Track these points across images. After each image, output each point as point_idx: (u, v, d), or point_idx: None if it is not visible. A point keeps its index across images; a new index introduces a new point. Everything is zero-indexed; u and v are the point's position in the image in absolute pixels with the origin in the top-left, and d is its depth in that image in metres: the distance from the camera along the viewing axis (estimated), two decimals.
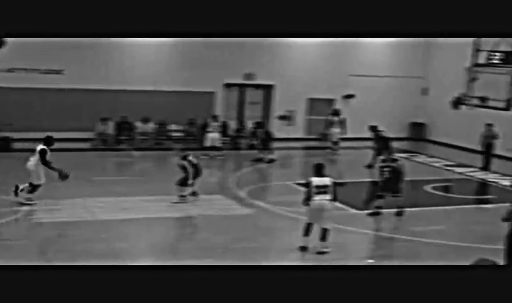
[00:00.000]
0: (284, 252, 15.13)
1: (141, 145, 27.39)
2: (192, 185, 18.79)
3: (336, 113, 28.88)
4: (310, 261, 14.43)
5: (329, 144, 28.52)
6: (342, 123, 28.53)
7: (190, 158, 18.98)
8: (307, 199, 14.64)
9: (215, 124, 26.74)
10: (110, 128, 27.52)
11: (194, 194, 18.93)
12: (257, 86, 30.74)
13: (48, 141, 17.72)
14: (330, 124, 28.64)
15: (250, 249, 14.91)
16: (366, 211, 18.59)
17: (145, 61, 28.08)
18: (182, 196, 18.63)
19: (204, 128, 27.18)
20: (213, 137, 26.32)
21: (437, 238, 16.43)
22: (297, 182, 21.31)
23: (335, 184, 14.95)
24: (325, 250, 14.61)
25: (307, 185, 14.70)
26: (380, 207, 18.33)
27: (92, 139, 27.05)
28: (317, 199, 14.48)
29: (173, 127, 28.67)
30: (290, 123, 31.00)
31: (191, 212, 17.95)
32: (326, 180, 14.66)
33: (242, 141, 29.31)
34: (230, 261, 13.47)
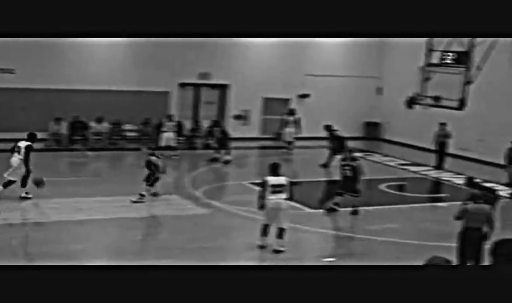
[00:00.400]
0: (241, 251, 15.15)
1: (96, 145, 27.10)
2: (155, 183, 18.82)
3: (291, 112, 28.97)
4: (267, 260, 14.44)
5: (283, 143, 28.60)
6: (296, 123, 28.63)
7: (156, 155, 19.21)
8: (261, 198, 14.68)
9: (170, 123, 26.59)
10: (63, 128, 27.18)
11: (155, 194, 18.99)
12: (212, 86, 30.67)
13: (32, 137, 18.28)
14: (285, 123, 28.73)
15: (207, 249, 14.86)
16: (322, 210, 18.67)
17: (99, 60, 27.80)
18: (141, 195, 18.56)
19: (159, 128, 27.02)
20: (168, 137, 26.17)
21: (392, 236, 16.57)
22: (252, 181, 21.30)
23: (291, 183, 14.98)
24: (281, 248, 14.62)
25: (263, 184, 14.73)
26: (338, 205, 18.45)
27: (45, 139, 26.67)
28: (273, 198, 14.51)
29: (128, 127, 28.43)
30: (245, 122, 30.99)
31: (147, 212, 17.83)
32: (282, 180, 14.69)
33: (197, 140, 29.23)
34: (187, 261, 13.41)
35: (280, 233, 14.68)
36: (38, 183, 18.07)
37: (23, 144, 18.05)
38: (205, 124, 29.80)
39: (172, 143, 26.21)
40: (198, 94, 30.74)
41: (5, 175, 17.98)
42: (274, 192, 14.49)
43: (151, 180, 18.71)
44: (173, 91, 29.40)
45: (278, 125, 29.56)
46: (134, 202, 18.31)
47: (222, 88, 30.82)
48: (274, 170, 14.81)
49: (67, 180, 20.73)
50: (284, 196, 14.57)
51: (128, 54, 28.00)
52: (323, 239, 16.56)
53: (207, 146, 27.94)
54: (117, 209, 17.82)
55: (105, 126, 27.73)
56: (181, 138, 27.98)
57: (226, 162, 25.20)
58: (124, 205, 18.12)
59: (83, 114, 27.31)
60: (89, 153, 26.11)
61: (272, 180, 14.60)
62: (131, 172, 24.15)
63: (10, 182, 17.97)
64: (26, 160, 17.90)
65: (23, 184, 17.99)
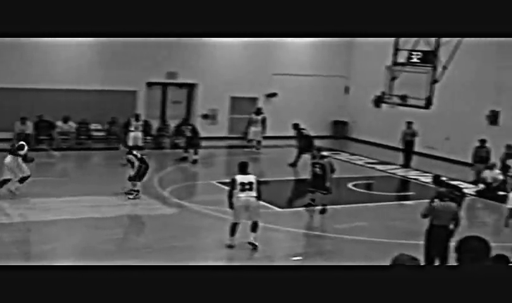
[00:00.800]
0: (210, 250, 15.13)
1: (62, 145, 26.84)
2: (139, 180, 19.07)
3: (258, 112, 28.98)
4: (236, 259, 14.44)
5: (247, 143, 28.63)
6: (263, 122, 28.68)
7: (135, 152, 19.41)
8: (231, 197, 14.78)
9: (138, 123, 26.41)
10: (29, 128, 26.87)
11: (137, 192, 19.14)
12: (180, 85, 30.56)
13: (26, 138, 19.47)
14: (252, 122, 28.73)
15: (176, 249, 14.81)
16: (290, 209, 18.72)
17: (66, 60, 27.50)
18: (135, 191, 18.85)
19: (126, 127, 26.82)
20: (135, 136, 25.97)
21: (360, 235, 16.66)
22: (220, 180, 21.27)
23: (259, 182, 15.00)
24: (255, 242, 14.84)
25: (232, 182, 14.82)
26: (313, 200, 18.53)
27: (11, 139, 26.32)
28: (242, 196, 14.62)
29: (94, 126, 28.21)
30: (213, 122, 30.91)
31: (115, 212, 17.68)
32: (250, 178, 14.82)
33: (165, 140, 29.11)
34: (155, 260, 13.34)
35: (255, 226, 14.88)
36: (30, 160, 18.83)
37: (17, 143, 19.00)
38: (173, 123, 29.69)
39: (140, 143, 26.02)
40: (166, 93, 30.62)
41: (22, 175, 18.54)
42: (243, 190, 14.62)
43: (137, 176, 18.94)
44: (140, 91, 29.23)
45: (245, 125, 29.56)
46: (132, 199, 18.70)
47: (190, 87, 30.73)
48: (243, 169, 14.96)
49: (33, 181, 20.48)
50: (253, 193, 14.70)
51: (94, 53, 27.76)
52: (291, 238, 16.58)
53: (174, 146, 27.83)
54: (85, 209, 17.66)
55: (71, 126, 27.47)
56: (148, 138, 27.84)
57: (194, 162, 25.10)
58: (92, 205, 17.99)
59: (49, 114, 27.01)
60: (55, 153, 25.83)
61: (241, 178, 14.74)
62: (99, 171, 24.02)
63: (4, 181, 18.35)
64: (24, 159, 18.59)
65: (20, 181, 18.52)
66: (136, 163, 19.00)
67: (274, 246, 15.60)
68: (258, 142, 28.49)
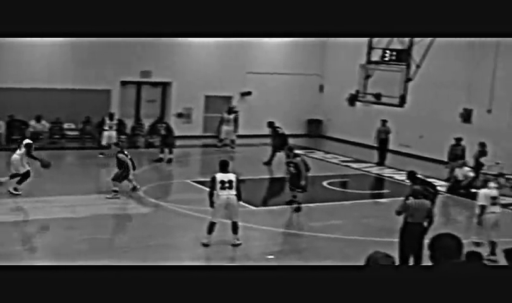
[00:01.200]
0: (185, 249, 15.11)
1: (35, 144, 26.52)
2: (130, 179, 19.19)
3: (230, 111, 28.95)
4: (212, 258, 14.45)
5: (218, 142, 28.63)
6: (235, 121, 28.68)
7: (126, 152, 19.43)
8: (211, 195, 14.85)
9: (112, 122, 26.26)
10: (1, 127, 26.61)
11: (135, 188, 19.27)
12: (154, 84, 30.45)
13: (33, 136, 19.76)
14: (223, 121, 28.68)
15: (151, 248, 14.77)
16: (265, 207, 18.73)
17: (39, 59, 27.25)
18: (115, 191, 18.85)
19: (100, 126, 26.67)
20: (109, 135, 25.84)
21: (335, 232, 16.71)
22: (195, 179, 21.22)
23: (239, 181, 15.07)
24: (237, 242, 15.02)
25: (212, 181, 14.88)
26: (295, 197, 18.64)
27: None
28: (222, 194, 14.69)
29: (68, 125, 28.00)
30: (187, 121, 30.82)
31: (90, 212, 17.56)
32: (230, 176, 14.90)
33: (139, 139, 28.99)
34: (131, 260, 13.29)
35: (235, 227, 14.99)
36: (45, 164, 19.25)
37: (24, 141, 19.38)
38: (147, 122, 29.58)
39: (114, 141, 25.90)
40: (140, 92, 30.49)
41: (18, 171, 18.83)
42: (223, 189, 14.69)
43: (120, 177, 19.00)
44: (114, 90, 29.08)
45: (217, 124, 29.51)
46: (110, 198, 18.68)
47: (164, 86, 30.64)
48: (223, 167, 15.03)
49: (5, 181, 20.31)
50: (233, 192, 14.78)
51: (67, 52, 27.53)
52: (267, 236, 16.59)
53: (149, 145, 27.74)
54: (59, 209, 17.55)
55: (44, 125, 27.23)
56: (122, 136, 27.69)
57: (169, 161, 25.02)
58: (66, 205, 17.87)
59: (22, 113, 26.77)
60: None
61: (221, 176, 14.81)
62: (72, 171, 23.85)
63: (21, 175, 18.79)
64: (31, 157, 19.08)
65: (20, 181, 18.75)
66: (128, 162, 19.10)
67: (250, 244, 15.58)
68: (232, 141, 28.47)
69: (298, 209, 18.45)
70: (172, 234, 16.29)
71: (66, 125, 27.95)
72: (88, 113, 27.82)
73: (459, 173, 22.25)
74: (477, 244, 13.62)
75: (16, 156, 18.99)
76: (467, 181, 21.89)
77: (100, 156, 25.29)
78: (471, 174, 22.05)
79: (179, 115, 30.57)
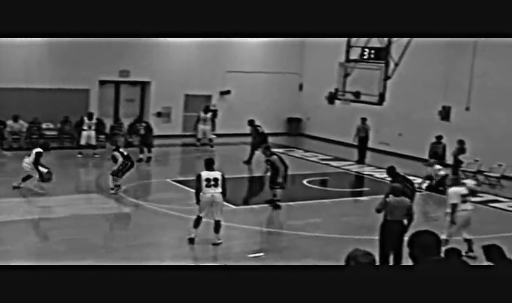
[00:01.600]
0: (166, 249, 15.09)
1: (13, 144, 26.41)
2: (121, 176, 19.44)
3: (207, 110, 28.89)
4: (192, 258, 14.41)
5: (204, 141, 28.58)
6: (212, 120, 28.65)
7: (121, 149, 19.69)
8: (197, 193, 15.03)
9: (91, 121, 26.10)
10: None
11: (118, 187, 19.40)
12: (133, 83, 30.34)
13: (45, 145, 20.01)
14: (201, 120, 28.60)
15: (131, 248, 14.71)
16: (246, 206, 18.73)
17: (16, 59, 27.02)
18: (117, 186, 19.25)
19: (79, 126, 26.50)
20: (88, 135, 25.71)
21: (315, 231, 16.73)
22: (175, 179, 21.18)
23: (225, 178, 15.18)
24: (218, 241, 15.10)
25: (197, 179, 15.05)
26: (275, 195, 18.76)
27: None
28: (207, 191, 14.88)
29: (46, 125, 27.81)
30: (167, 120, 30.73)
31: (69, 212, 17.45)
32: (216, 174, 15.10)
33: (119, 138, 28.81)
34: (111, 260, 13.24)
35: (217, 226, 15.10)
36: (45, 178, 19.21)
37: (35, 150, 19.45)
38: (126, 121, 29.46)
39: (93, 141, 25.79)
40: (119, 91, 30.37)
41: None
42: (209, 186, 14.88)
43: (120, 173, 19.30)
44: (93, 89, 28.93)
45: (194, 123, 29.36)
46: (113, 194, 19.07)
47: (143, 85, 30.54)
48: (209, 165, 15.24)
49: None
50: (218, 189, 14.96)
51: (45, 52, 27.34)
52: (247, 235, 16.58)
53: (128, 144, 27.62)
54: (38, 209, 17.46)
55: (22, 124, 27.03)
56: (101, 136, 27.58)
57: (148, 160, 24.92)
58: (45, 205, 17.77)
59: None
60: (6, 152, 25.43)
61: (206, 174, 15.01)
62: (51, 171, 23.66)
63: (42, 175, 19.14)
64: (35, 164, 19.07)
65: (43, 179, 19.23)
66: (120, 160, 19.26)
67: (230, 244, 15.58)
68: (210, 139, 28.44)
69: (276, 207, 18.51)
70: (152, 233, 16.24)
71: (44, 125, 27.76)
72: (67, 112, 27.64)
73: (431, 171, 22.38)
74: (446, 242, 13.63)
75: (25, 164, 19.30)
76: (439, 178, 21.95)
77: (79, 156, 25.17)
78: (442, 172, 22.14)
79: (159, 115, 30.48)
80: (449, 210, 15.14)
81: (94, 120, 26.33)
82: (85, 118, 26.13)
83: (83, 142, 25.62)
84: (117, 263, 12.04)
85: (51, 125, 27.92)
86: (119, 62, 29.01)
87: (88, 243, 14.98)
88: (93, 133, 25.89)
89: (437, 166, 22.38)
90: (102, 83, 29.26)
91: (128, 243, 15.11)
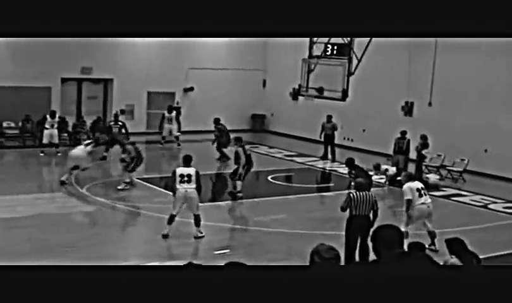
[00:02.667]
0: (131, 247, 15.03)
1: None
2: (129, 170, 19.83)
3: (170, 109, 28.72)
4: (157, 256, 14.36)
5: (169, 138, 28.45)
6: (177, 119, 28.53)
7: (136, 145, 20.26)
8: (172, 188, 15.47)
9: (53, 120, 25.74)
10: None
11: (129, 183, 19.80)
12: (95, 81, 30.09)
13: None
14: (166, 120, 28.45)
15: (95, 246, 14.60)
16: (210, 203, 18.72)
17: None
18: (126, 183, 19.68)
19: (41, 124, 26.17)
20: (51, 133, 25.36)
21: (280, 227, 16.77)
22: (139, 176, 21.05)
23: (199, 175, 15.38)
24: (200, 234, 15.43)
25: (172, 174, 15.44)
26: (235, 188, 19.26)
27: None
28: (181, 187, 15.19)
29: (7, 124, 27.44)
30: (129, 117, 30.48)
31: (32, 211, 17.26)
32: (190, 170, 15.38)
33: (81, 136, 28.56)
34: (76, 259, 13.14)
35: (197, 220, 15.42)
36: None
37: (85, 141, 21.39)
38: (89, 119, 29.19)
39: (56, 140, 25.47)
40: (81, 89, 30.10)
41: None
42: (182, 182, 15.19)
43: (131, 167, 19.72)
44: (55, 87, 28.62)
45: (159, 121, 29.18)
46: (121, 190, 19.47)
47: (106, 83, 30.31)
48: (186, 162, 15.61)
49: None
50: (192, 185, 15.25)
51: (5, 50, 26.97)
52: (213, 232, 16.52)
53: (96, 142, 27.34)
54: (1, 208, 17.21)
55: None
56: (64, 134, 27.30)
57: (103, 158, 24.58)
58: (8, 205, 17.54)
59: None
60: None
61: (180, 170, 15.36)
62: (13, 170, 23.39)
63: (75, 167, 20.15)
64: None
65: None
66: (133, 153, 19.82)
67: (196, 240, 15.54)
68: (177, 137, 28.31)
69: (235, 198, 18.82)
70: (117, 231, 16.15)
71: (5, 124, 27.40)
72: (28, 111, 27.27)
73: (388, 167, 22.63)
74: (406, 234, 13.71)
75: (80, 153, 20.37)
76: (392, 174, 22.13)
77: (42, 154, 24.90)
78: (394, 169, 22.38)
79: (122, 112, 30.23)
80: (404, 207, 15.21)
81: (56, 119, 25.97)
82: (48, 117, 25.78)
83: (45, 140, 25.28)
84: (81, 262, 11.96)
85: (12, 124, 27.57)
86: (81, 60, 28.74)
87: (52, 243, 14.83)
88: (55, 131, 25.54)
89: (385, 167, 22.61)
90: (64, 80, 28.96)
91: (92, 241, 14.98)
